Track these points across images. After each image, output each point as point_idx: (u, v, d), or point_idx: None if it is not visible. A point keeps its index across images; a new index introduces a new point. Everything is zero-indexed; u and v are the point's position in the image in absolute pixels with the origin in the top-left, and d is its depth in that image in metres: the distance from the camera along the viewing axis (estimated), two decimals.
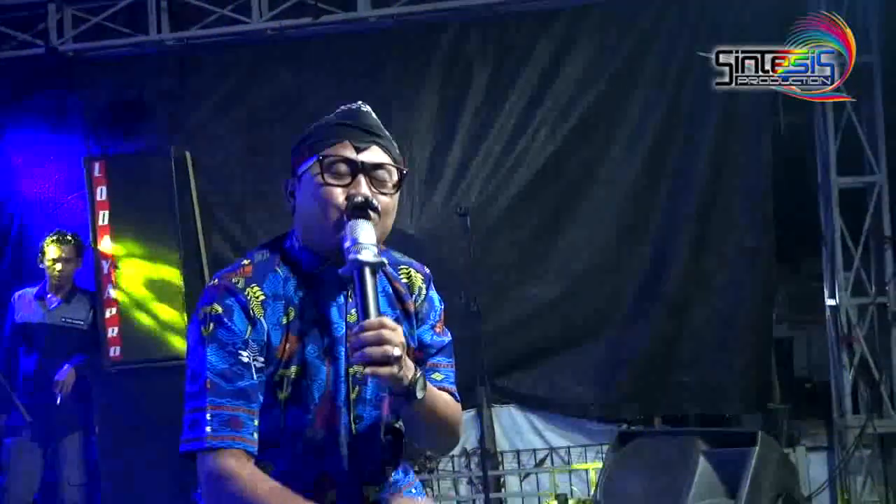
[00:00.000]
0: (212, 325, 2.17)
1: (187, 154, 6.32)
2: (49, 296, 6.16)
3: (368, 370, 2.10)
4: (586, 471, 6.55)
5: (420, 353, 2.40)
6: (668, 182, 6.56)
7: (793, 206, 6.87)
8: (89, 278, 6.32)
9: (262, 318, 2.19)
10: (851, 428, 6.36)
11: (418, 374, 2.21)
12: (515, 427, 6.72)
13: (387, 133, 2.33)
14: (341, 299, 2.28)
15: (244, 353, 2.16)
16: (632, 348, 6.56)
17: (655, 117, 6.56)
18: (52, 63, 6.99)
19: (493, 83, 6.71)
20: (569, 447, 6.68)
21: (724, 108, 6.45)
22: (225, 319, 2.16)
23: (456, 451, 6.65)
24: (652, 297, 6.55)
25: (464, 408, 6.40)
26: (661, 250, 6.56)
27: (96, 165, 6.29)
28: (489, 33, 6.74)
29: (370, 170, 2.25)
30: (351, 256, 2.14)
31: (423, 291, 2.42)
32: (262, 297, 2.21)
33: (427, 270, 2.46)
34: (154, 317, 6.18)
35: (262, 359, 2.18)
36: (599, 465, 5.72)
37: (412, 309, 2.39)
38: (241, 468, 2.12)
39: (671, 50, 6.57)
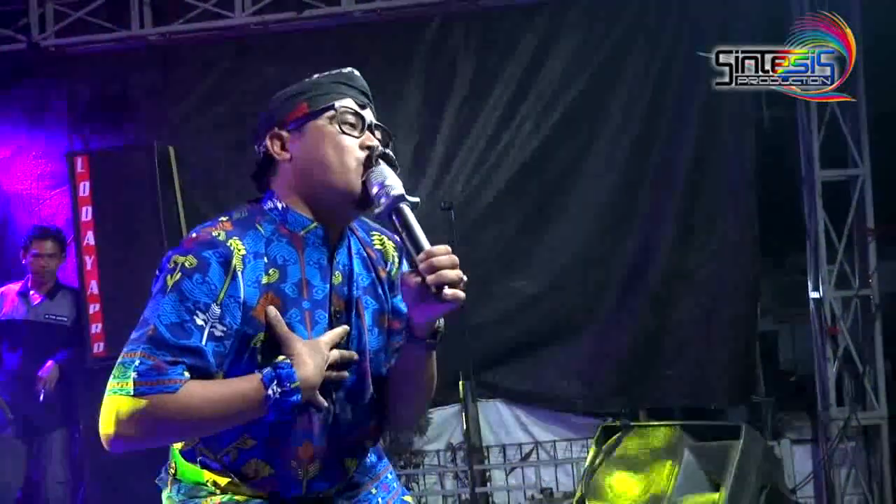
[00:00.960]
0: (179, 275, 2.08)
1: (171, 149, 6.31)
2: (32, 292, 6.13)
3: (450, 293, 2.06)
4: (572, 465, 6.56)
5: (397, 323, 2.37)
6: (652, 176, 6.57)
7: (776, 200, 6.89)
8: (72, 274, 6.30)
9: (240, 274, 2.10)
10: (836, 420, 6.38)
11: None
12: (501, 421, 6.72)
13: None
14: (324, 261, 2.24)
15: (200, 316, 2.06)
16: (616, 342, 6.57)
17: (639, 112, 6.56)
18: (33, 58, 6.95)
19: (476, 78, 6.69)
20: (554, 441, 6.69)
21: (708, 103, 6.45)
22: (196, 273, 2.07)
23: (441, 445, 6.66)
24: (636, 291, 6.56)
25: (449, 402, 6.51)
26: (646, 244, 6.57)
27: (79, 161, 6.27)
28: (472, 28, 6.72)
29: (373, 127, 2.27)
30: (391, 193, 2.12)
31: (397, 261, 2.40)
32: (243, 252, 2.12)
33: (398, 238, 2.35)
34: (138, 313, 6.15)
35: (223, 326, 2.08)
36: (585, 458, 5.73)
37: (383, 275, 2.37)
38: (168, 398, 2.02)
39: (655, 44, 6.58)
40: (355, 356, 2.22)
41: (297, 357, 2.10)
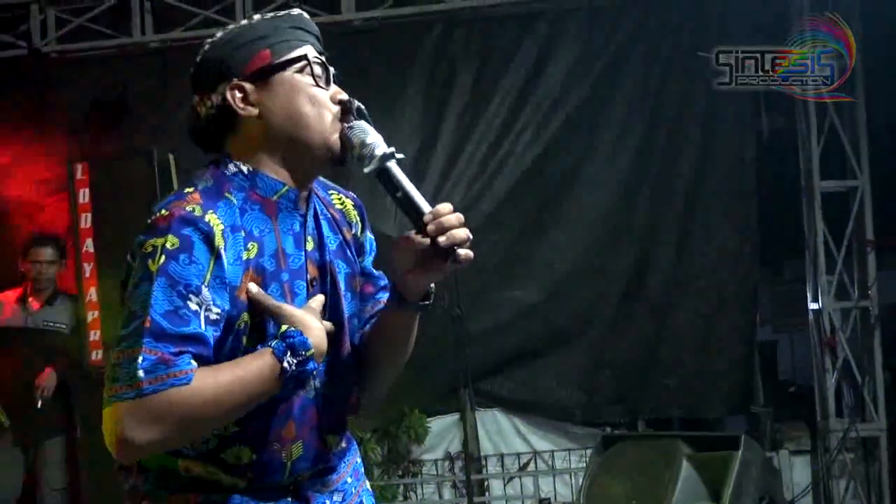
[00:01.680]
0: (163, 258, 1.86)
1: (171, 156, 6.30)
2: (31, 299, 6.12)
3: (463, 253, 1.94)
4: (570, 474, 6.55)
5: (369, 286, 2.23)
6: (652, 184, 6.57)
7: (776, 210, 6.89)
8: (70, 281, 6.29)
9: (223, 252, 1.90)
10: (834, 431, 6.37)
11: None
12: (499, 430, 6.71)
13: None
14: (297, 227, 2.06)
15: (193, 300, 1.86)
16: (615, 351, 6.57)
17: (639, 120, 6.57)
18: (34, 64, 6.95)
19: (476, 85, 6.70)
20: (552, 451, 6.68)
21: (708, 111, 6.46)
22: (180, 254, 1.86)
23: (439, 454, 6.65)
24: (635, 299, 6.56)
25: (447, 411, 6.50)
26: (645, 253, 6.57)
27: (79, 167, 6.26)
28: (473, 34, 6.73)
29: (334, 76, 2.10)
30: (376, 152, 1.97)
31: (359, 221, 2.24)
32: (221, 227, 1.92)
33: (354, 195, 2.26)
34: None
35: (216, 309, 1.89)
36: (583, 468, 5.72)
37: (349, 237, 2.20)
38: (183, 391, 1.84)
39: (655, 53, 6.58)
40: (331, 327, 2.05)
41: (301, 323, 1.94)
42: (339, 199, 2.23)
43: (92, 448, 6.18)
